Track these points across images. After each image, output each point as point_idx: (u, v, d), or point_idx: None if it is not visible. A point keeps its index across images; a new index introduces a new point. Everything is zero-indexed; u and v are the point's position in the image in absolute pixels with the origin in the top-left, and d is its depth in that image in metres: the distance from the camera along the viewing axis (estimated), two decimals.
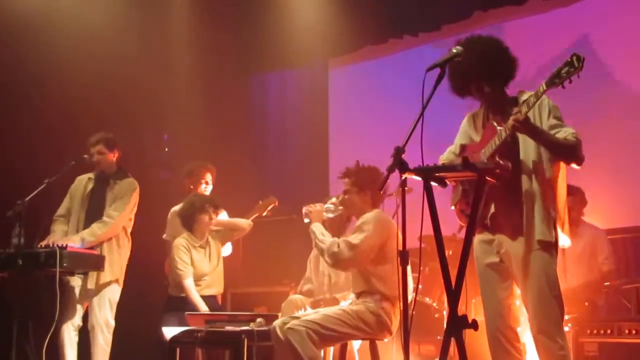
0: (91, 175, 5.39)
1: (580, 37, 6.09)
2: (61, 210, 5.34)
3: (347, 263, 4.16)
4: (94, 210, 5.24)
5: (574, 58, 2.93)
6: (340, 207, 4.48)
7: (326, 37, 7.31)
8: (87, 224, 5.19)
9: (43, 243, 4.80)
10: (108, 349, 5.15)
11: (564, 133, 3.19)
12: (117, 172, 5.38)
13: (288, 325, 3.98)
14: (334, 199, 4.63)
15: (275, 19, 7.53)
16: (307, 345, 3.91)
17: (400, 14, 6.97)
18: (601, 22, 6.07)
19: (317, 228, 4.33)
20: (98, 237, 5.09)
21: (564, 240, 3.32)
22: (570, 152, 3.19)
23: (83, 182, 5.38)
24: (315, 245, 4.33)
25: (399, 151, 2.93)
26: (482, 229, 3.41)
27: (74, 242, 4.92)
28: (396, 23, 7.08)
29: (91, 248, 5.01)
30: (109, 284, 5.15)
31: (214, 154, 6.68)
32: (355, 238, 4.12)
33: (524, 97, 3.27)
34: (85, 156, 5.31)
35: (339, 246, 4.12)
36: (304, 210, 4.44)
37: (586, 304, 5.06)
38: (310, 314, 4.25)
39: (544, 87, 3.02)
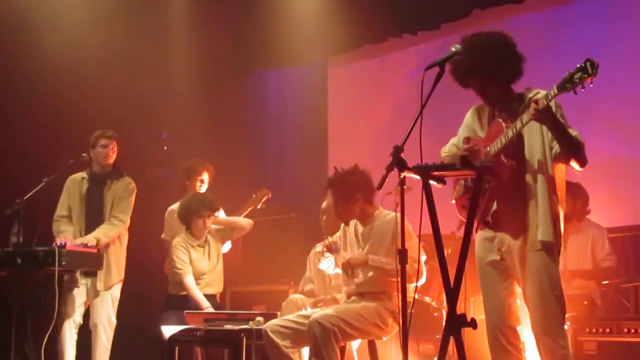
0: (84, 174, 5.34)
1: (580, 36, 6.09)
2: (62, 211, 5.29)
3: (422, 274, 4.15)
4: (93, 211, 5.25)
5: (588, 64, 2.87)
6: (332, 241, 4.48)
7: (326, 36, 7.30)
8: (88, 224, 5.20)
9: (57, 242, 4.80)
10: (109, 347, 5.16)
11: (574, 132, 3.18)
12: (113, 171, 5.37)
13: (316, 318, 3.98)
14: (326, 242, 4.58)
15: (274, 17, 7.53)
16: (330, 344, 3.94)
17: (400, 13, 6.96)
18: (600, 21, 6.07)
19: (375, 260, 4.20)
20: (109, 239, 5.15)
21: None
22: (580, 151, 3.17)
23: (77, 181, 5.33)
24: (387, 274, 4.15)
25: (398, 150, 2.92)
26: (483, 225, 3.41)
27: (91, 242, 4.95)
28: (395, 22, 7.07)
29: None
30: (116, 284, 5.21)
31: (213, 152, 6.68)
32: (415, 251, 3.96)
33: (532, 94, 3.25)
34: (84, 155, 5.30)
35: (415, 261, 3.97)
36: (329, 248, 4.37)
37: (585, 302, 5.06)
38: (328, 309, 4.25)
39: (555, 91, 2.97)
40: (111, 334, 5.18)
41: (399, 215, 4.28)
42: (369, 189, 4.35)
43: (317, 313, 4.09)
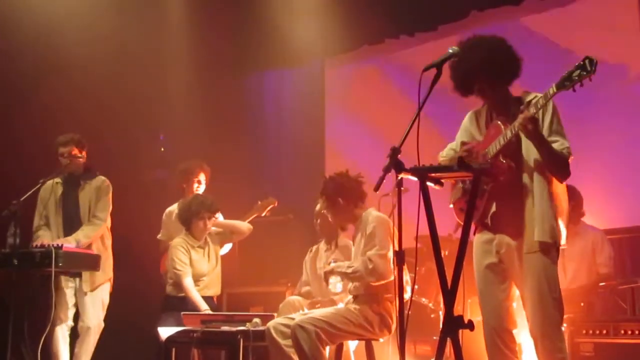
0: (57, 179, 5.27)
1: (578, 38, 6.09)
2: (39, 220, 5.23)
3: (388, 272, 4.09)
4: (69, 213, 5.21)
5: (587, 61, 2.88)
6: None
7: (323, 37, 7.31)
8: (66, 227, 5.16)
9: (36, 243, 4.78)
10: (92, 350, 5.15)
11: (561, 145, 3.18)
12: (86, 172, 5.32)
13: (297, 322, 4.00)
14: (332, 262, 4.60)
15: (272, 18, 7.52)
16: (314, 345, 3.95)
17: (397, 14, 6.97)
18: (598, 22, 6.08)
19: (340, 267, 4.26)
20: (91, 239, 5.11)
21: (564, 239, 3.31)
22: (560, 165, 3.19)
23: (51, 186, 5.25)
24: (349, 278, 4.24)
25: (395, 151, 2.92)
26: (482, 227, 3.41)
27: (70, 244, 4.91)
28: (393, 23, 7.08)
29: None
30: (102, 284, 5.17)
31: (211, 153, 6.68)
32: (382, 247, 4.08)
33: (529, 97, 3.26)
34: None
35: (371, 261, 4.08)
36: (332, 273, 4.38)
37: (582, 304, 5.06)
38: (315, 311, 4.27)
39: (554, 90, 2.98)
40: (97, 337, 5.15)
41: (381, 215, 4.35)
42: (352, 192, 4.38)
43: (299, 317, 4.10)
